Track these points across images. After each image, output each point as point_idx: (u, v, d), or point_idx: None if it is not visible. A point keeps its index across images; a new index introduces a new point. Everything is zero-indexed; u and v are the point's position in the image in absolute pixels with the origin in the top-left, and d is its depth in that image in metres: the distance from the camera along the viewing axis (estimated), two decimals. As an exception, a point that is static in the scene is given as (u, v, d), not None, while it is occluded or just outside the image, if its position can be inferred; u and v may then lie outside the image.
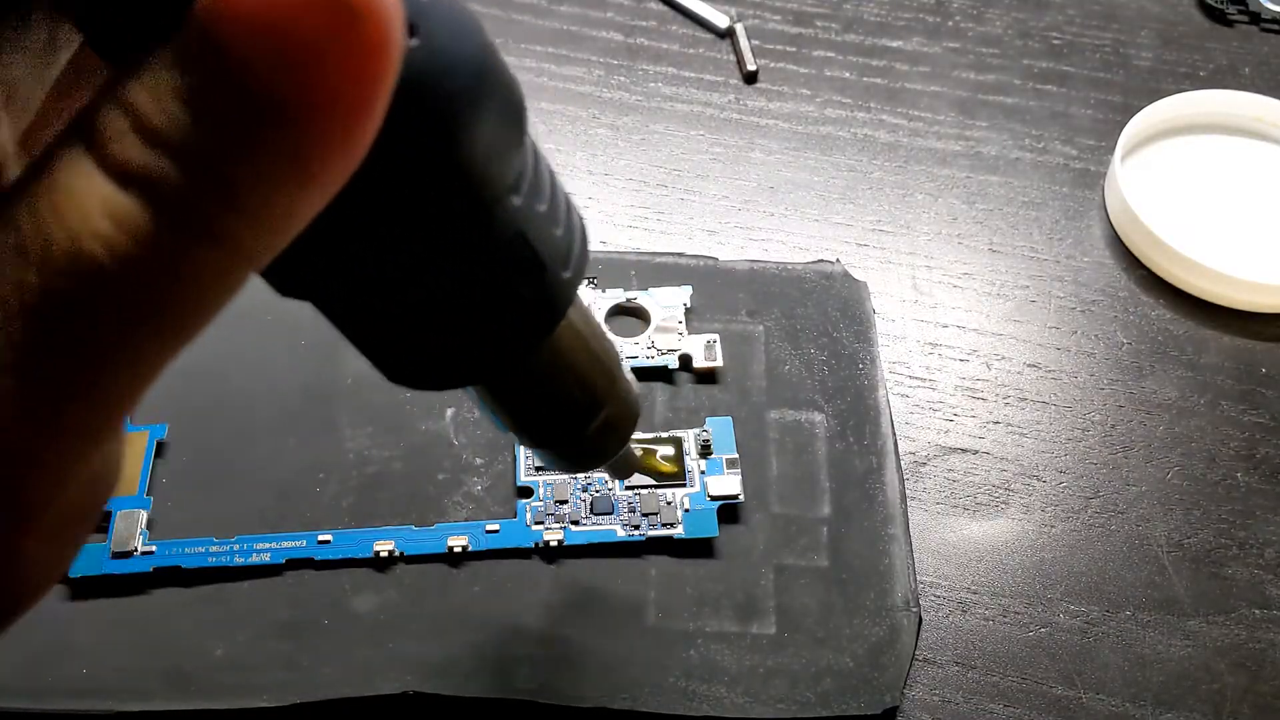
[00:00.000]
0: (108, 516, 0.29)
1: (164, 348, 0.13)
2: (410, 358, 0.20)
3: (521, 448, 0.31)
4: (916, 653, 0.29)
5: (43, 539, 0.14)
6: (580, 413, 0.23)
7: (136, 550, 0.29)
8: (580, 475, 0.30)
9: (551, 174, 0.19)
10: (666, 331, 0.33)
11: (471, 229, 0.16)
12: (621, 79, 0.41)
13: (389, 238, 0.16)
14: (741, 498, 0.30)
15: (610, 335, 0.33)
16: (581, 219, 0.20)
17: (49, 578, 0.15)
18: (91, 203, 0.11)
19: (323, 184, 0.12)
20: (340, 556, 0.29)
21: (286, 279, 0.16)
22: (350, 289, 0.18)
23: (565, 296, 0.19)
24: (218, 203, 0.12)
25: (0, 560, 0.14)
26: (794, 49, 0.43)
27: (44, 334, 0.12)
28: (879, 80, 0.42)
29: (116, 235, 0.11)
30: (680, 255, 0.36)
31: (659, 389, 0.33)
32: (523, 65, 0.41)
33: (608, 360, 0.23)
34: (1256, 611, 0.30)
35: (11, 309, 0.11)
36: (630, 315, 0.34)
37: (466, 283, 0.18)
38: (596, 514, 0.30)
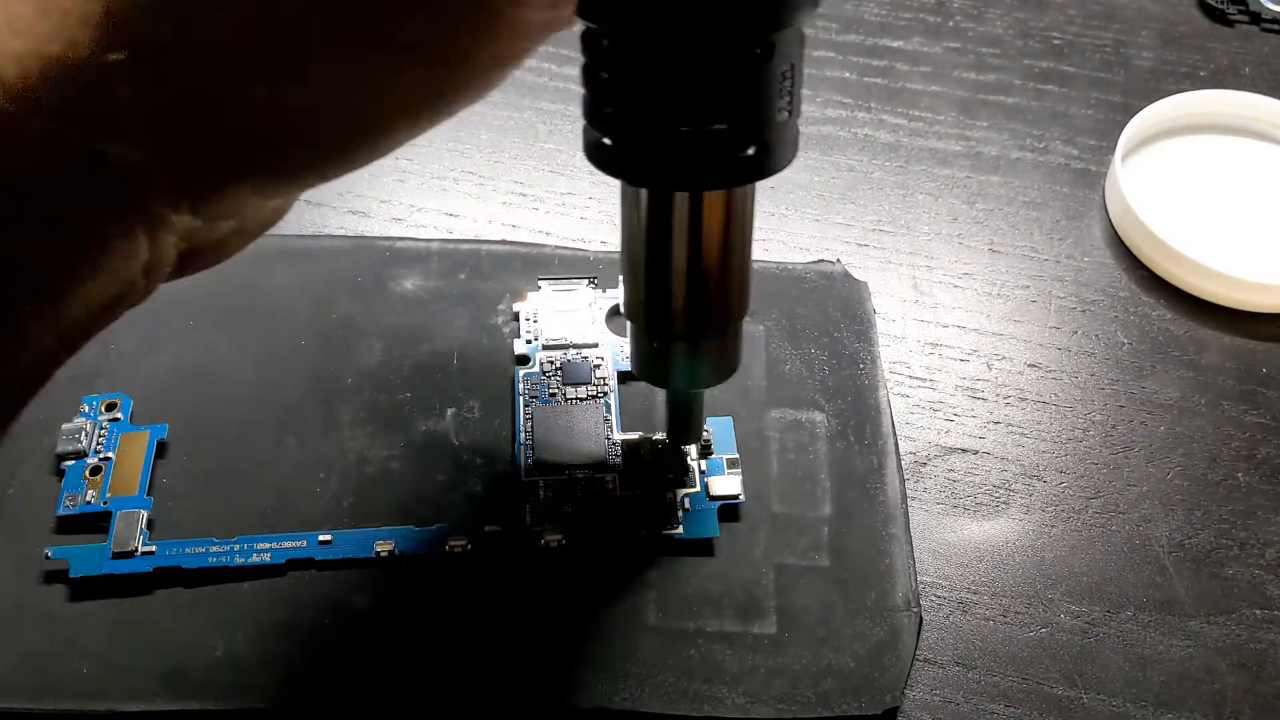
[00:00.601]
0: (108, 517, 0.29)
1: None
2: (651, 128, 0.21)
3: (522, 447, 0.31)
4: (917, 653, 0.29)
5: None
6: (741, 295, 0.25)
7: (136, 550, 0.29)
8: (580, 474, 0.30)
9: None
10: (667, 331, 0.33)
11: (769, 25, 0.19)
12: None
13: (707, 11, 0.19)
14: (742, 497, 0.30)
15: (610, 334, 0.33)
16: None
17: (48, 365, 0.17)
18: None
19: None
20: (340, 556, 0.29)
21: None
22: (642, 32, 0.19)
23: (792, 148, 0.22)
24: None
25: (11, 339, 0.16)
26: (794, 49, 0.43)
27: None
28: (879, 80, 0.42)
29: None
30: (680, 255, 0.36)
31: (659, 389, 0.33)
32: (524, 65, 0.41)
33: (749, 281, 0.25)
34: (1257, 612, 0.30)
35: None
36: (630, 315, 0.34)
37: (753, 73, 0.20)
38: (597, 514, 0.30)
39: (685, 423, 0.29)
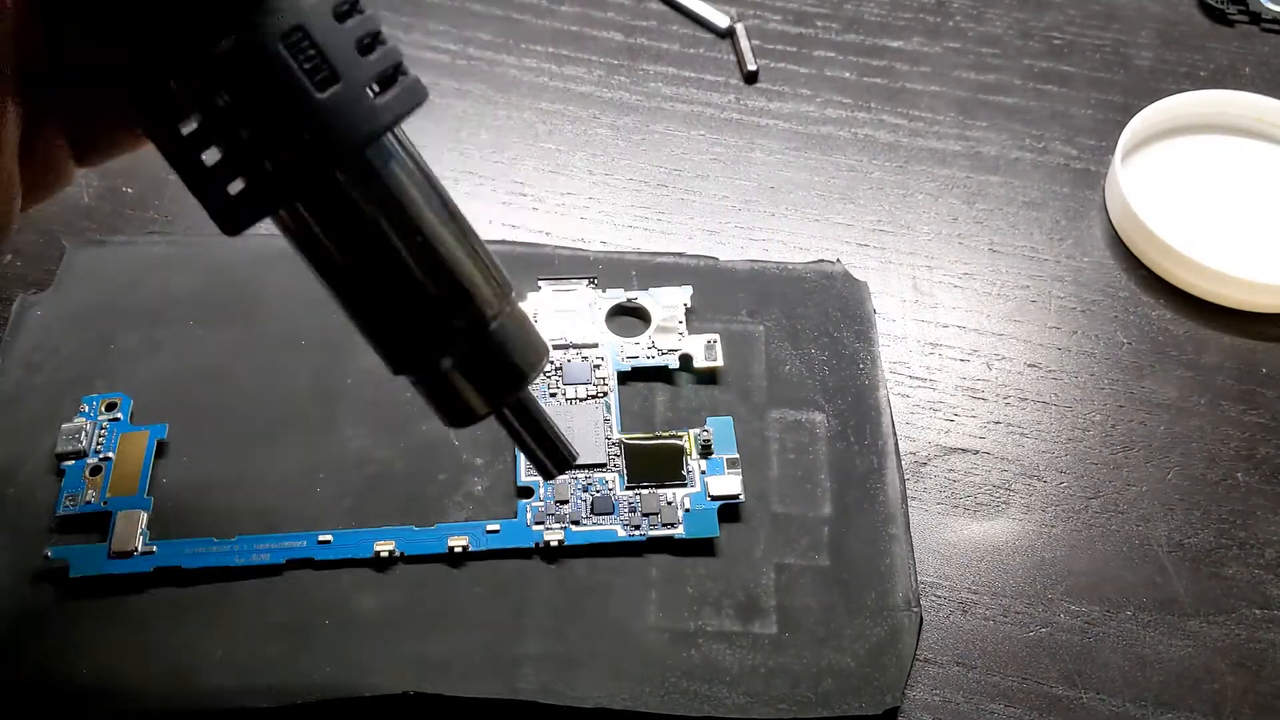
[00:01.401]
0: (108, 517, 0.29)
1: None
2: (216, 175, 0.19)
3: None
4: (917, 653, 0.29)
5: None
6: (416, 310, 0.20)
7: (136, 550, 0.29)
8: (581, 474, 0.30)
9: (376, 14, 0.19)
10: (667, 331, 0.33)
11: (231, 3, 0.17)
12: (622, 79, 0.41)
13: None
14: (742, 497, 0.30)
15: (610, 334, 0.33)
16: (406, 67, 0.20)
17: None
18: None
19: None
20: (340, 556, 0.29)
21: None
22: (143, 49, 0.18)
23: (366, 119, 0.19)
24: None
25: None
26: (794, 49, 0.43)
27: None
28: (879, 80, 0.42)
29: None
30: (680, 255, 0.36)
31: (659, 389, 0.33)
32: (524, 65, 0.41)
33: (464, 263, 0.21)
34: (1257, 611, 0.30)
35: None
36: (631, 315, 0.34)
37: (245, 66, 0.18)
38: (597, 514, 0.30)
39: (531, 452, 0.24)
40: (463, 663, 0.28)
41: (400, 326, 0.21)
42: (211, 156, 0.19)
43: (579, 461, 0.30)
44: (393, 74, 0.19)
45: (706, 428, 0.31)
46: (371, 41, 0.19)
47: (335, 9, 0.19)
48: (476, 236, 0.21)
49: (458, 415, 0.22)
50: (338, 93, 0.18)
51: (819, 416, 0.32)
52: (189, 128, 0.19)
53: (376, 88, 0.19)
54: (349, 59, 0.18)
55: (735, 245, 0.37)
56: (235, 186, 0.19)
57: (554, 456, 0.23)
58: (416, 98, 0.20)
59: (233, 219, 0.19)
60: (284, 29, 0.18)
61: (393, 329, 0.21)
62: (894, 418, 0.33)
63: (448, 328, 0.20)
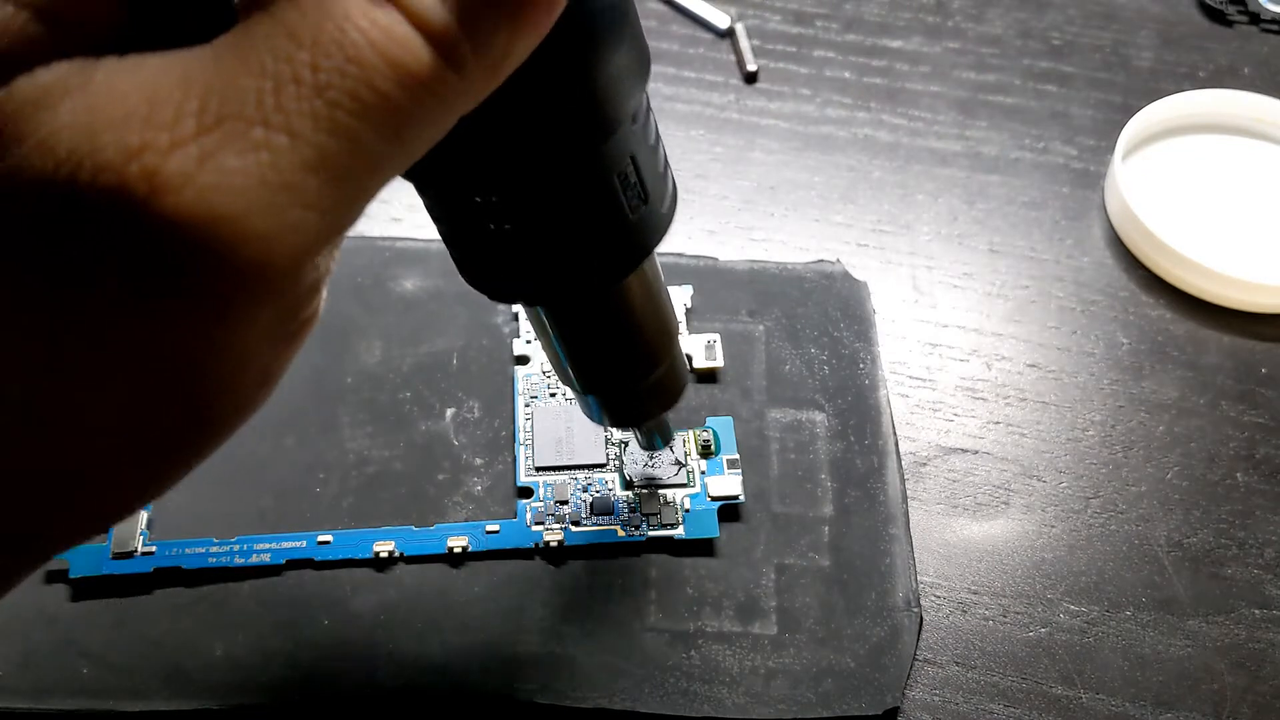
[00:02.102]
0: (108, 516, 0.29)
1: (389, 160, 0.15)
2: (503, 265, 0.20)
3: (522, 448, 0.31)
4: (917, 653, 0.29)
5: (275, 318, 0.15)
6: (640, 362, 0.24)
7: (137, 550, 0.29)
8: (581, 474, 0.31)
9: (657, 126, 0.21)
10: (667, 331, 0.33)
11: (595, 139, 0.18)
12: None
13: (522, 137, 0.18)
14: (742, 498, 0.30)
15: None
16: (673, 174, 0.22)
17: (267, 375, 0.16)
18: (353, 5, 0.13)
19: (533, 28, 0.15)
20: (340, 557, 0.29)
21: (426, 162, 0.17)
22: (471, 182, 0.19)
23: (659, 230, 0.21)
24: (462, 28, 0.14)
25: (209, 356, 0.15)
26: (794, 49, 0.43)
27: (311, 117, 0.14)
28: (879, 80, 0.42)
29: (375, 32, 0.14)
30: (680, 255, 0.36)
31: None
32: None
33: (672, 320, 0.25)
34: (1256, 611, 0.30)
35: (283, 83, 0.13)
36: (630, 315, 0.34)
37: (579, 193, 0.19)
38: (597, 514, 0.30)
39: (650, 436, 0.29)
40: (462, 662, 0.28)
41: (620, 373, 0.24)
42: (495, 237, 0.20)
43: (579, 461, 0.31)
44: (674, 187, 0.21)
45: (707, 428, 0.31)
46: (666, 163, 0.21)
47: (654, 138, 0.20)
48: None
49: (629, 419, 0.27)
50: (644, 213, 0.20)
51: (819, 416, 0.32)
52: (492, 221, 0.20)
53: (665, 202, 0.21)
54: (655, 184, 0.20)
55: (735, 245, 0.37)
56: (521, 277, 0.21)
57: (664, 440, 0.29)
58: (676, 201, 0.22)
59: (510, 299, 0.22)
60: (619, 162, 0.19)
61: (612, 374, 0.25)
62: (894, 418, 0.33)
63: (656, 368, 0.25)
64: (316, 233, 0.14)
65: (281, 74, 0.13)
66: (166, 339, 0.14)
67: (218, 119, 0.13)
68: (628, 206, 0.20)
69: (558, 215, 0.19)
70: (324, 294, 0.17)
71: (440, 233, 0.21)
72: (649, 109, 0.20)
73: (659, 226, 0.21)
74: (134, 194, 0.13)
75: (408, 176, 0.18)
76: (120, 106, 0.13)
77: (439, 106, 0.14)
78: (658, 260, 0.23)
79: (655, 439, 0.29)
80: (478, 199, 0.19)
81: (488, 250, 0.20)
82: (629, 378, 0.25)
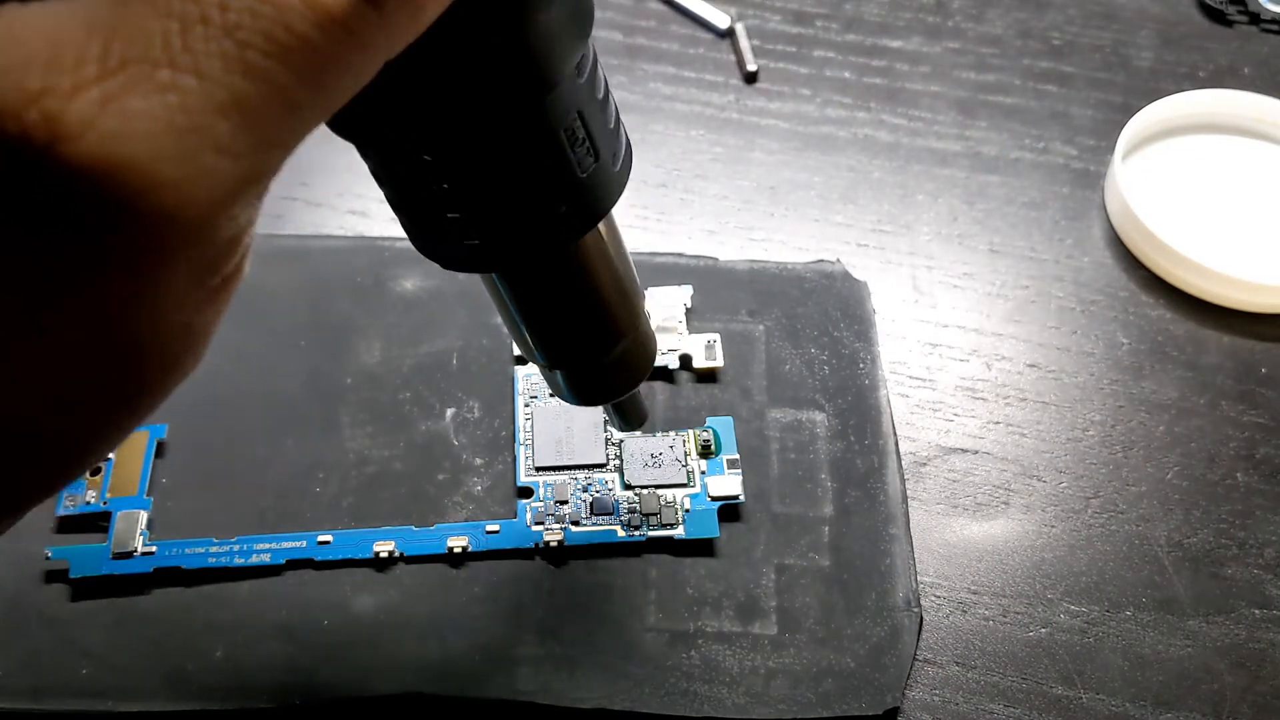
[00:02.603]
0: (108, 517, 0.29)
1: (309, 105, 0.14)
2: (451, 229, 0.20)
3: (522, 448, 0.31)
4: (917, 653, 0.29)
5: (193, 272, 0.15)
6: (602, 333, 0.24)
7: (136, 550, 0.29)
8: (581, 474, 0.30)
9: (606, 80, 0.20)
10: (667, 331, 0.33)
11: (535, 91, 0.18)
12: (621, 79, 0.41)
13: (456, 90, 0.17)
14: (742, 498, 0.30)
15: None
16: (627, 133, 0.21)
17: (192, 335, 0.16)
18: None
19: None
20: (340, 557, 0.29)
21: (359, 116, 0.16)
22: (409, 138, 0.18)
23: (613, 189, 0.20)
24: None
25: (124, 310, 0.14)
26: (794, 49, 0.43)
27: (240, 63, 0.13)
28: (879, 80, 0.42)
29: None
30: (680, 255, 0.36)
31: (659, 389, 0.33)
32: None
33: (635, 289, 0.24)
34: (1256, 611, 0.30)
35: (190, 23, 0.13)
36: (630, 315, 0.34)
37: (523, 149, 0.18)
38: (596, 514, 0.30)
39: (623, 413, 0.28)
40: (462, 663, 0.28)
41: (582, 345, 0.24)
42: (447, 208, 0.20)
43: (579, 461, 0.31)
44: (627, 146, 0.21)
45: (707, 428, 0.31)
46: (618, 120, 0.20)
47: (603, 93, 0.20)
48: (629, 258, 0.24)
49: (596, 396, 0.26)
50: (594, 171, 0.19)
51: (819, 416, 0.32)
52: (435, 182, 0.19)
53: (619, 162, 0.20)
54: (606, 140, 0.20)
55: (735, 245, 0.37)
56: (471, 240, 0.20)
57: (635, 420, 0.28)
58: (631, 161, 0.21)
59: (461, 266, 0.21)
60: (564, 117, 0.19)
61: (574, 346, 0.24)
62: (894, 418, 0.33)
63: (619, 340, 0.24)
64: (232, 180, 0.14)
65: (189, 14, 0.13)
66: (77, 292, 0.14)
67: (122, 61, 0.13)
68: (577, 164, 0.19)
69: (501, 173, 0.19)
70: (248, 247, 0.16)
71: (387, 198, 0.20)
72: (596, 62, 0.19)
73: (612, 185, 0.20)
74: (33, 140, 0.12)
75: (343, 132, 0.18)
76: (21, 50, 0.13)
77: (359, 49, 0.14)
78: (617, 223, 0.22)
79: (627, 418, 0.27)
80: (423, 158, 0.18)
81: (435, 214, 0.19)
82: (591, 351, 0.24)
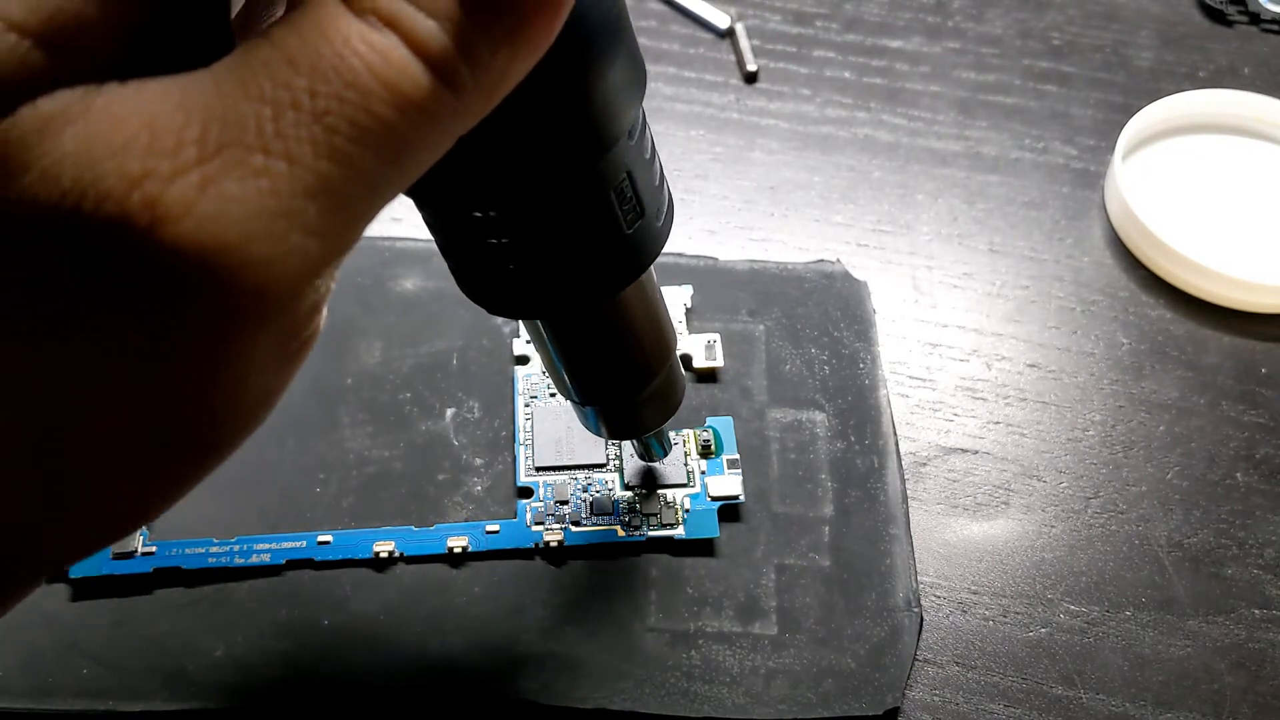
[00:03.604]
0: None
1: (388, 183, 0.15)
2: (500, 278, 0.20)
3: (522, 448, 0.31)
4: (917, 653, 0.29)
5: (275, 340, 0.15)
6: (637, 374, 0.24)
7: (137, 551, 0.29)
8: (581, 474, 0.30)
9: (653, 139, 0.21)
10: (667, 331, 0.33)
11: (592, 155, 0.18)
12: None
13: (518, 155, 0.18)
14: (742, 498, 0.30)
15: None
16: (670, 188, 0.22)
17: (268, 394, 0.16)
18: (351, 30, 0.14)
19: (530, 48, 0.15)
20: (340, 557, 0.29)
21: (424, 180, 0.17)
22: (466, 199, 0.19)
23: (656, 244, 0.21)
24: (459, 51, 0.14)
25: (211, 379, 0.15)
26: (794, 49, 0.43)
27: (309, 143, 0.14)
28: (879, 80, 0.42)
29: (372, 57, 0.13)
30: (680, 255, 0.36)
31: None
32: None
33: (669, 332, 0.25)
34: (1256, 611, 0.30)
35: (281, 109, 0.13)
36: (630, 315, 0.34)
37: (575, 208, 0.19)
38: (597, 514, 0.30)
39: (648, 447, 0.29)
40: (462, 663, 0.28)
41: (617, 384, 0.25)
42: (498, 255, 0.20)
43: (579, 461, 0.31)
44: (670, 200, 0.22)
45: (707, 428, 0.31)
46: (662, 177, 0.21)
47: (650, 153, 0.20)
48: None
49: (627, 431, 0.27)
50: (639, 228, 0.20)
51: (819, 416, 0.32)
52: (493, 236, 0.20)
53: (662, 216, 0.21)
54: (652, 197, 0.20)
55: (735, 245, 0.37)
56: (518, 290, 0.21)
57: (664, 452, 0.29)
58: (673, 215, 0.22)
59: (508, 313, 0.22)
60: (615, 177, 0.19)
61: (609, 386, 0.25)
62: (894, 418, 0.33)
63: (653, 379, 0.25)
64: (316, 257, 0.14)
65: (280, 100, 0.13)
66: (169, 364, 0.14)
67: (218, 146, 0.13)
68: (624, 221, 0.20)
69: (555, 230, 0.19)
70: (324, 313, 0.17)
71: (438, 244, 0.21)
72: (645, 124, 0.20)
73: (655, 240, 0.21)
74: (135, 223, 0.13)
75: (406, 193, 0.18)
76: (121, 133, 0.13)
77: (436, 129, 0.14)
78: (654, 272, 0.23)
79: (655, 450, 0.29)
80: (475, 214, 0.19)
81: (485, 264, 0.20)
82: (626, 390, 0.25)
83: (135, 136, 0.13)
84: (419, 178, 0.15)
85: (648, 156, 0.20)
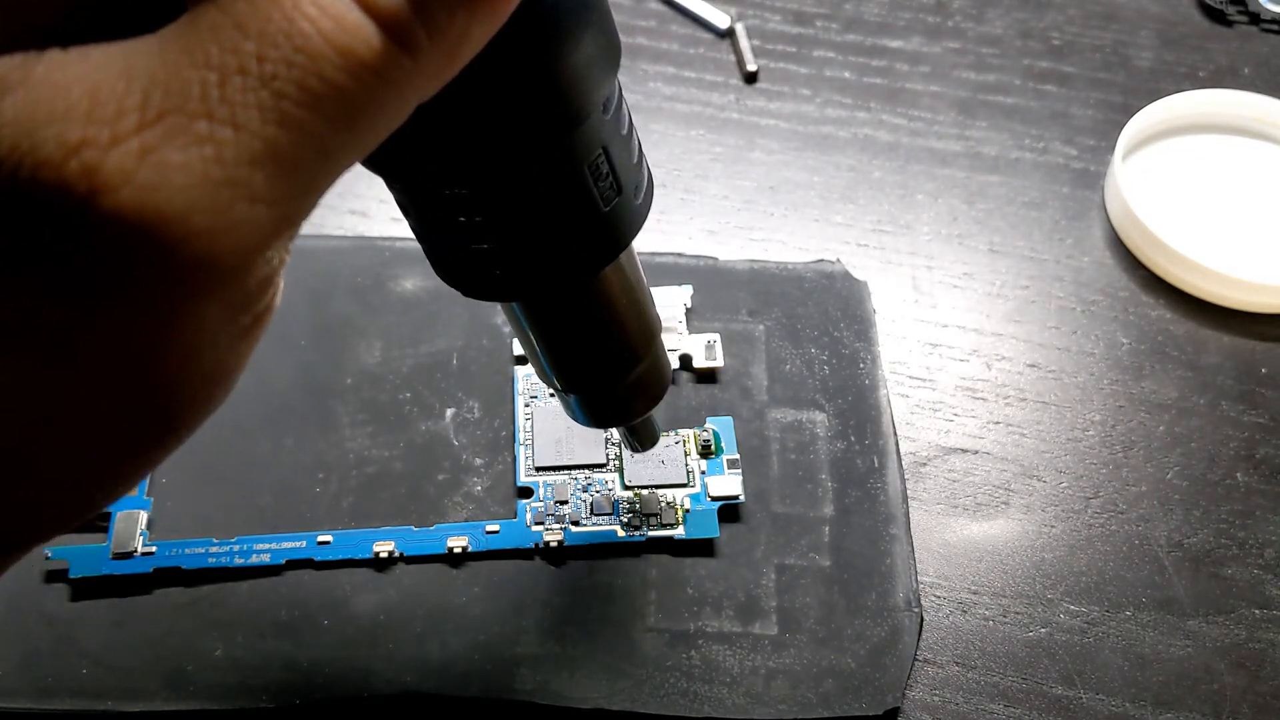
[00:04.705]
0: (107, 517, 0.29)
1: (342, 150, 0.14)
2: (473, 259, 0.20)
3: (522, 448, 0.31)
4: (917, 653, 0.29)
5: (225, 313, 0.15)
6: (619, 359, 0.24)
7: (136, 551, 0.29)
8: (581, 474, 0.30)
9: (630, 115, 0.20)
10: (667, 331, 0.33)
11: (562, 129, 0.18)
12: (622, 79, 0.41)
13: (484, 128, 0.17)
14: (742, 498, 0.30)
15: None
16: (649, 165, 0.21)
17: (223, 370, 0.16)
18: None
19: (490, 11, 0.14)
20: (340, 557, 0.29)
21: (387, 152, 0.16)
22: (435, 173, 0.18)
23: (635, 222, 0.20)
24: (415, 12, 0.13)
25: (158, 353, 0.14)
26: (794, 49, 0.43)
27: (259, 108, 0.13)
28: (879, 80, 0.42)
29: (323, 20, 0.13)
30: (680, 255, 0.36)
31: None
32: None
33: (652, 316, 0.24)
34: (1256, 611, 0.30)
35: (228, 74, 0.13)
36: (630, 315, 0.34)
37: (547, 184, 0.19)
38: (596, 514, 0.30)
39: (637, 435, 0.28)
40: (462, 663, 0.28)
41: (599, 370, 0.24)
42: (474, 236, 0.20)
43: (579, 461, 0.31)
44: (649, 178, 0.21)
45: (707, 428, 0.31)
46: (640, 154, 0.21)
47: (627, 128, 0.20)
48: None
49: (611, 419, 0.26)
50: (617, 205, 0.20)
51: (819, 416, 0.32)
52: (465, 215, 0.19)
53: (640, 194, 0.21)
54: (629, 174, 0.20)
55: (735, 245, 0.37)
56: (492, 271, 0.20)
57: (648, 441, 0.28)
58: (653, 193, 0.21)
59: (483, 295, 0.21)
60: (589, 152, 0.19)
61: (591, 372, 0.24)
62: (894, 418, 0.33)
63: (636, 365, 0.24)
64: (265, 227, 0.14)
65: (227, 65, 0.13)
66: (112, 337, 0.14)
67: (160, 113, 0.13)
68: (600, 198, 0.19)
69: (527, 208, 0.19)
70: (280, 286, 0.16)
71: (411, 227, 0.20)
72: (621, 98, 0.20)
73: (634, 219, 0.21)
74: (74, 192, 0.13)
75: (373, 168, 0.18)
76: (62, 101, 0.13)
77: (392, 93, 0.14)
78: (637, 254, 0.23)
79: (640, 440, 0.28)
80: (445, 191, 0.18)
81: (458, 244, 0.20)
82: (608, 376, 0.24)
83: (75, 104, 0.13)
84: (384, 148, 0.15)
85: (624, 132, 0.20)
